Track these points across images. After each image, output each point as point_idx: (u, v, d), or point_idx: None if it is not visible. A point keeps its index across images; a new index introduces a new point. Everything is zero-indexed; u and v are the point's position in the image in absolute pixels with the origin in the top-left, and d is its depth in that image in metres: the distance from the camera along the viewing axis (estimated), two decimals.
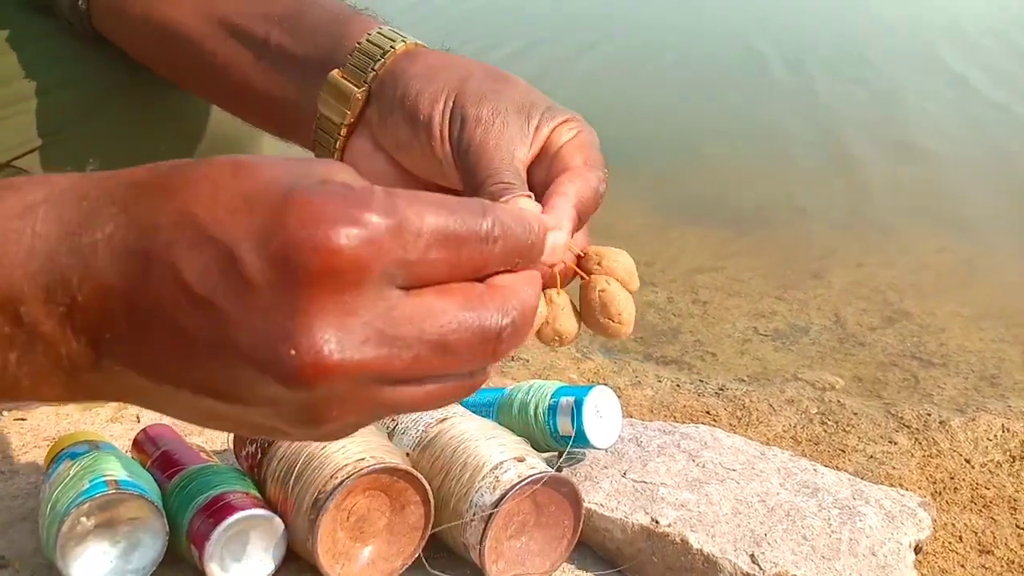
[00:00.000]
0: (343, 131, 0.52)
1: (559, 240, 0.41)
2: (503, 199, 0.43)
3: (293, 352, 0.28)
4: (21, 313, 0.30)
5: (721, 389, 1.36)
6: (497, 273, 0.32)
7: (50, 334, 0.30)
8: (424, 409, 0.32)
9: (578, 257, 0.44)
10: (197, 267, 0.29)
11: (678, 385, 1.37)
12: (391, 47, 0.51)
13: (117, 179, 0.32)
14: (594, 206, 0.46)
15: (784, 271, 1.89)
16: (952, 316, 1.69)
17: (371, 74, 0.51)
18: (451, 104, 0.48)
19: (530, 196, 0.44)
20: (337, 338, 0.28)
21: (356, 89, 0.51)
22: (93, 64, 0.72)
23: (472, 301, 0.30)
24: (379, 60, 0.51)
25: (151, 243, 0.29)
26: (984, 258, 1.96)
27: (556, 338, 0.43)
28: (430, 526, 0.80)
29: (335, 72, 0.52)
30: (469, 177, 0.46)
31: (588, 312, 0.43)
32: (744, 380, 1.44)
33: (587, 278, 0.44)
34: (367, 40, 0.52)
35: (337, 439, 0.34)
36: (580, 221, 0.45)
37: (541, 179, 0.46)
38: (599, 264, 0.44)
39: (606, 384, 0.94)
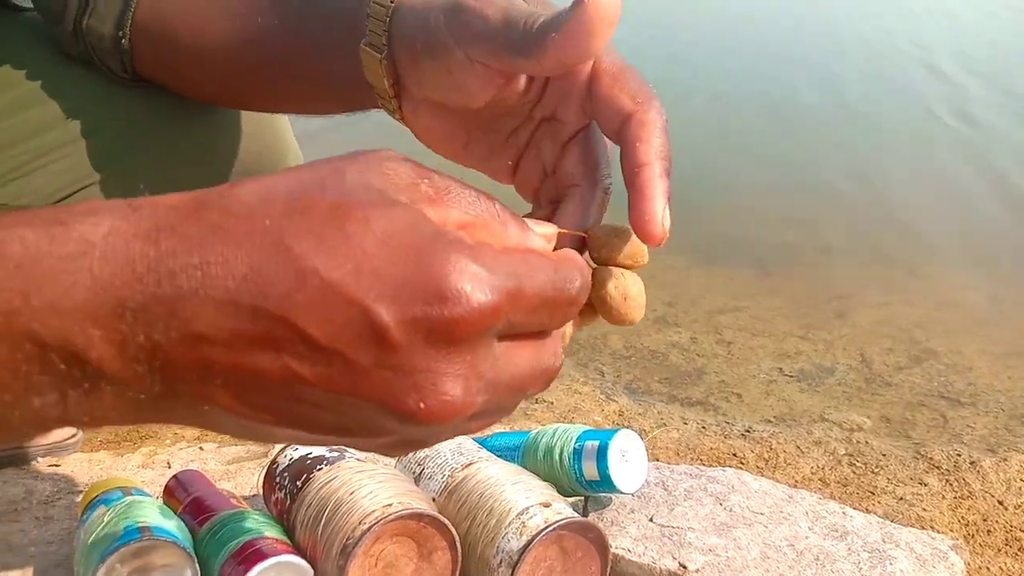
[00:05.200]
0: (392, 92, 0.53)
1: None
2: (543, 21, 0.41)
3: (422, 405, 0.31)
4: (84, 356, 0.30)
5: (747, 431, 1.35)
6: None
7: (119, 373, 0.30)
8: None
9: (582, 239, 0.42)
10: (326, 324, 0.30)
11: (704, 427, 1.37)
12: (390, 2, 0.51)
13: (188, 218, 0.31)
14: (670, 153, 0.43)
15: (808, 311, 1.89)
16: (979, 354, 1.67)
17: (383, 35, 0.51)
18: (442, 17, 0.47)
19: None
20: (459, 391, 0.31)
21: (378, 55, 0.51)
22: (127, 107, 0.75)
23: (545, 353, 0.35)
24: (385, 20, 0.51)
25: (263, 300, 0.30)
26: (1011, 295, 1.94)
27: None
28: (457, 572, 0.80)
29: (362, 45, 0.52)
30: (484, 40, 0.44)
31: (603, 310, 0.41)
32: (770, 421, 1.43)
33: (593, 266, 0.41)
34: (373, 2, 0.52)
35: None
36: (669, 177, 0.43)
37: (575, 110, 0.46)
38: (600, 253, 0.42)
39: (631, 427, 0.94)
